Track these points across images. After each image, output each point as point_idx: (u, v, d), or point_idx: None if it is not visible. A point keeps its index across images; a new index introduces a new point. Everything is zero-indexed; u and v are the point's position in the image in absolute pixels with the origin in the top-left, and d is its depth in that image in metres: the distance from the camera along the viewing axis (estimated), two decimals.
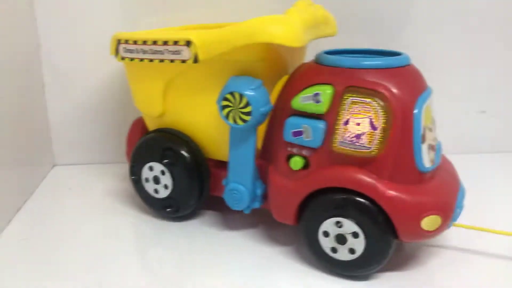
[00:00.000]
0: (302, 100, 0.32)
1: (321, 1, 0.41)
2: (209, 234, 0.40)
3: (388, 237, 0.31)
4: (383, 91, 0.30)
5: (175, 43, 0.35)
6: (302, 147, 0.33)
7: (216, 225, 0.41)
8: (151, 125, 0.43)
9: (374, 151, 0.30)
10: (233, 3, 0.53)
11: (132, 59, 0.38)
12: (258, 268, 0.35)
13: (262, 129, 0.37)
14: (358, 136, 0.31)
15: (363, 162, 0.31)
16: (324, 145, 0.32)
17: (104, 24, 0.53)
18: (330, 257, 0.33)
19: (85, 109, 0.56)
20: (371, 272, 0.33)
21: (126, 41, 0.38)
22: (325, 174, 0.32)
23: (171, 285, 0.33)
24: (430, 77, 0.35)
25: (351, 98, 0.31)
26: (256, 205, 0.37)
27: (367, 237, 0.31)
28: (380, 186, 0.30)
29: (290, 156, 0.34)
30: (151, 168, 0.40)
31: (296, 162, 0.33)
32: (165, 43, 0.36)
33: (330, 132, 0.32)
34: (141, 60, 0.38)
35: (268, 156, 0.36)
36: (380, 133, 0.30)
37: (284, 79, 0.38)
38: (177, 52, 0.36)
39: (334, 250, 0.33)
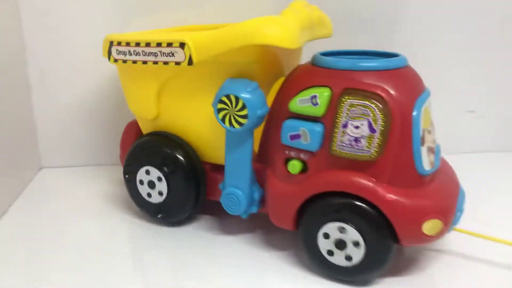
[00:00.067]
0: (299, 103, 0.32)
1: (316, 1, 0.41)
2: (206, 239, 0.39)
3: (389, 242, 0.31)
4: (381, 93, 0.30)
5: (169, 45, 0.34)
6: (300, 150, 0.32)
7: (213, 229, 0.40)
8: (145, 128, 0.42)
9: (373, 155, 0.30)
10: (225, 3, 0.52)
11: (125, 61, 0.38)
12: (255, 273, 0.34)
13: (258, 131, 0.36)
14: (357, 140, 0.30)
15: (362, 166, 0.30)
16: (322, 148, 0.31)
17: (91, 25, 0.52)
18: (329, 262, 0.32)
19: (73, 110, 0.55)
20: (371, 277, 0.32)
21: (119, 43, 0.37)
22: (324, 178, 0.31)
23: None
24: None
25: (349, 100, 0.30)
26: (254, 209, 0.36)
27: (367, 242, 0.31)
28: (380, 190, 0.30)
29: (288, 160, 0.33)
30: (147, 172, 0.39)
31: (294, 166, 0.33)
32: (159, 44, 0.35)
33: (328, 135, 0.31)
34: (134, 62, 0.37)
35: (265, 159, 0.36)
36: (379, 136, 0.30)
37: (280, 81, 0.38)
38: (171, 54, 0.35)
39: (330, 252, 0.32)
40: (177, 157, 0.38)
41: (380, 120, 0.29)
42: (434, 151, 0.33)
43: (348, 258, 0.31)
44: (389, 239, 0.30)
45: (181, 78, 0.37)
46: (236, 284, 0.33)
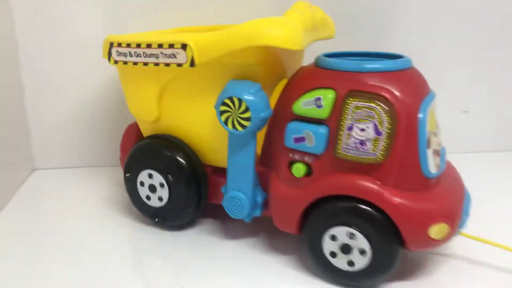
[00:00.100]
0: (303, 105, 0.31)
1: (314, 2, 0.40)
2: (208, 243, 0.38)
3: (395, 246, 0.30)
4: (387, 95, 0.29)
5: (171, 46, 0.34)
6: (304, 153, 0.32)
7: (215, 233, 0.40)
8: (146, 131, 0.41)
9: (379, 158, 0.29)
10: (225, 4, 0.52)
11: (125, 63, 0.37)
12: (259, 278, 0.33)
13: (261, 134, 0.36)
14: (362, 142, 0.30)
15: (368, 169, 0.30)
16: (327, 151, 0.31)
17: (85, 26, 0.52)
18: (334, 267, 0.32)
19: (66, 112, 0.55)
20: (377, 282, 0.32)
21: (119, 44, 0.37)
22: (328, 182, 0.31)
23: None
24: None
25: (354, 102, 0.30)
26: (257, 213, 0.36)
27: (372, 246, 0.30)
28: (386, 193, 0.29)
29: (292, 163, 0.33)
30: (150, 176, 0.39)
31: (299, 169, 0.32)
32: (160, 46, 0.34)
33: (333, 137, 0.31)
34: (135, 63, 0.36)
35: (269, 162, 0.35)
36: (385, 139, 0.29)
37: (283, 83, 0.37)
38: (172, 56, 0.34)
39: (333, 254, 0.32)
40: (180, 161, 0.37)
41: (386, 123, 0.29)
42: (439, 153, 0.32)
43: (353, 263, 0.31)
44: (395, 243, 0.30)
45: (183, 80, 0.36)
46: None
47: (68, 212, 0.45)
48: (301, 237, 0.33)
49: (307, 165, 0.32)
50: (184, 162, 0.37)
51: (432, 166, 0.31)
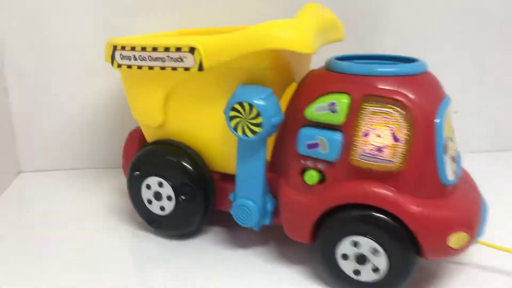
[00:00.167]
0: (316, 110, 0.30)
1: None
2: (215, 252, 0.37)
3: (412, 255, 0.29)
4: (403, 100, 0.28)
5: (178, 49, 0.33)
6: (317, 160, 0.31)
7: (223, 242, 0.38)
8: (150, 136, 0.40)
9: (397, 165, 0.28)
10: (221, 6, 0.51)
11: (129, 67, 0.36)
12: None
13: (270, 139, 0.35)
14: (379, 149, 0.29)
15: (384, 176, 0.29)
16: (342, 158, 0.30)
17: (72, 26, 0.51)
18: (348, 277, 0.31)
19: (52, 113, 0.54)
20: None
21: (123, 47, 0.36)
22: (344, 190, 0.30)
23: None
24: None
25: (370, 107, 0.29)
26: (266, 221, 0.35)
27: (389, 255, 0.29)
28: (404, 202, 0.28)
29: (304, 170, 0.32)
30: (160, 184, 0.37)
31: (311, 176, 0.31)
32: (167, 49, 0.33)
33: (348, 144, 0.30)
34: (140, 67, 0.35)
35: (279, 168, 0.34)
36: (403, 145, 0.28)
37: (292, 87, 0.36)
38: (179, 59, 0.33)
39: (357, 272, 0.31)
40: (188, 168, 0.36)
41: (404, 128, 0.28)
42: (455, 159, 0.32)
43: (375, 270, 0.30)
44: (412, 252, 0.29)
45: (190, 84, 0.35)
46: None
47: (55, 215, 0.44)
48: (314, 246, 0.32)
49: (320, 172, 0.31)
50: (192, 168, 0.36)
51: (449, 172, 0.30)
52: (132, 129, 0.44)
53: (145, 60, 0.35)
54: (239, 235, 0.39)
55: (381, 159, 0.29)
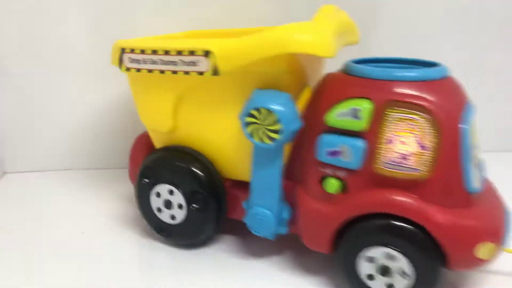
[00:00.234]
0: (338, 116, 0.29)
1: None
2: (228, 262, 0.36)
3: (438, 267, 0.28)
4: (428, 105, 0.27)
5: (191, 53, 0.31)
6: (338, 168, 0.30)
7: (235, 251, 0.37)
8: (159, 142, 0.39)
9: (423, 173, 0.27)
10: (222, 6, 0.51)
11: (138, 70, 0.34)
12: None
13: (286, 145, 0.34)
14: (404, 157, 0.28)
15: (409, 185, 0.28)
16: (364, 166, 0.29)
17: (60, 25, 0.50)
18: None
19: (37, 113, 0.54)
20: None
21: (132, 50, 0.34)
22: (367, 198, 0.29)
23: None
24: None
25: (394, 114, 0.28)
26: (283, 230, 0.34)
27: (414, 267, 0.28)
28: (430, 212, 0.27)
29: (323, 178, 0.31)
30: (171, 192, 0.36)
31: (332, 185, 0.30)
32: (179, 53, 0.32)
33: (370, 152, 0.29)
34: (150, 71, 0.34)
35: (295, 176, 0.33)
36: (428, 153, 0.27)
37: (307, 91, 0.35)
38: (193, 63, 0.32)
39: (370, 276, 0.30)
40: (200, 175, 0.35)
41: (430, 136, 0.27)
42: (479, 167, 0.31)
43: (392, 285, 0.29)
44: (438, 264, 0.28)
45: (202, 88, 0.34)
46: None
47: (42, 216, 0.43)
48: (334, 257, 0.31)
49: (341, 180, 0.30)
50: (204, 176, 0.35)
51: (475, 180, 0.29)
52: (140, 134, 0.42)
53: (156, 64, 0.33)
54: (252, 244, 0.38)
55: (406, 167, 0.28)
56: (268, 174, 0.32)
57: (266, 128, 0.30)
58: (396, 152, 0.28)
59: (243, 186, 0.36)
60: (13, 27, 0.50)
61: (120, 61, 0.35)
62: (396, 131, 0.28)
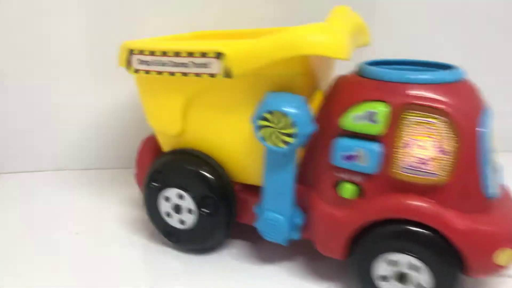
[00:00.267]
0: (354, 119, 0.29)
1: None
2: (238, 267, 0.35)
3: (456, 273, 0.28)
4: (446, 108, 0.27)
5: (203, 55, 0.31)
6: (353, 172, 0.29)
7: (246, 257, 0.36)
8: (167, 145, 0.38)
9: (441, 178, 0.27)
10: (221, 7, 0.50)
11: (147, 72, 0.34)
12: None
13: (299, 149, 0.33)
14: (423, 161, 0.27)
15: (426, 190, 0.27)
16: (381, 170, 0.28)
17: (53, 25, 0.50)
18: None
19: (30, 113, 0.54)
20: None
21: (141, 52, 0.33)
22: (384, 203, 0.28)
23: None
24: None
25: (412, 117, 0.27)
26: (295, 235, 0.33)
27: (433, 274, 0.28)
28: (449, 217, 0.27)
29: (338, 182, 0.30)
30: (181, 197, 0.35)
31: (347, 189, 0.29)
32: (191, 54, 0.31)
33: (387, 156, 0.28)
34: (160, 73, 0.33)
35: (308, 180, 0.32)
36: (447, 157, 0.27)
37: (318, 94, 0.35)
38: (204, 65, 0.31)
39: (386, 283, 0.29)
40: (211, 179, 0.34)
41: (449, 140, 0.27)
42: (497, 171, 0.30)
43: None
44: (456, 270, 0.28)
45: (213, 91, 0.33)
46: None
47: (38, 218, 0.43)
48: (348, 263, 0.31)
49: (356, 185, 0.29)
50: (215, 179, 0.34)
51: (494, 185, 0.28)
52: (147, 136, 0.41)
53: (166, 66, 0.33)
54: (264, 249, 0.37)
55: (424, 171, 0.27)
56: (281, 179, 0.32)
57: (279, 132, 0.30)
58: (414, 156, 0.27)
59: (253, 190, 0.35)
60: (11, 26, 0.50)
61: (128, 63, 0.35)
62: (414, 135, 0.27)
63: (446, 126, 0.27)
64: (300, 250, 0.36)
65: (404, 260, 0.28)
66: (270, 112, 0.30)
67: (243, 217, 0.36)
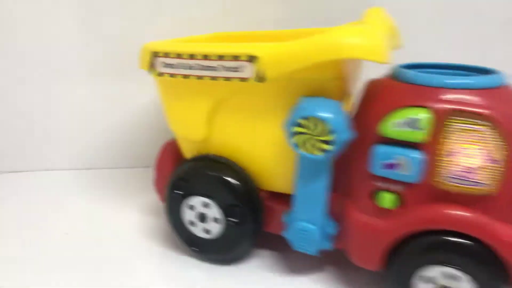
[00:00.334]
0: (394, 126, 0.27)
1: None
2: (266, 278, 0.34)
3: (500, 285, 0.27)
4: (495, 115, 0.26)
5: (235, 58, 0.29)
6: (393, 181, 0.28)
7: (274, 267, 0.35)
8: (189, 151, 0.37)
9: (488, 188, 0.26)
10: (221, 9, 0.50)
11: (172, 75, 0.32)
12: None
13: None
14: (469, 170, 0.26)
15: (472, 200, 0.26)
16: (423, 179, 0.27)
17: (37, 26, 0.50)
18: None
19: (19, 113, 0.54)
20: None
21: (166, 54, 0.32)
22: (427, 214, 0.27)
23: None
24: None
25: (456, 124, 0.26)
26: (327, 245, 0.32)
27: (478, 286, 0.27)
28: (497, 229, 0.26)
29: (375, 191, 0.29)
30: (206, 205, 0.34)
31: (386, 199, 0.28)
32: (221, 57, 0.30)
33: (430, 164, 0.27)
34: (186, 76, 0.32)
35: (340, 188, 0.31)
36: (497, 166, 0.26)
37: (349, 99, 0.34)
38: (235, 69, 0.30)
39: None
40: (238, 187, 0.33)
41: (497, 147, 0.26)
42: None
43: None
44: (501, 281, 0.27)
45: (242, 95, 0.32)
46: None
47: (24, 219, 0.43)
48: (385, 274, 0.30)
49: (396, 194, 0.28)
50: (242, 187, 0.33)
51: None
52: (167, 141, 0.40)
53: (193, 69, 0.31)
54: (291, 259, 0.36)
55: (471, 181, 0.26)
56: (314, 187, 0.30)
57: (316, 139, 0.28)
58: (459, 165, 0.26)
59: (280, 197, 0.34)
60: (11, 26, 0.50)
61: (151, 66, 0.33)
62: (459, 143, 0.26)
63: (495, 134, 0.25)
64: (328, 260, 0.35)
65: (447, 272, 0.27)
66: (306, 118, 0.28)
67: (269, 226, 0.35)
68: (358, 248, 0.30)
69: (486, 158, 0.26)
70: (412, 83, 0.29)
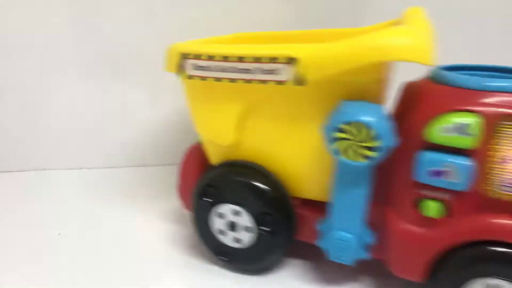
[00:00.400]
0: (442, 132, 0.26)
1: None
2: None
3: None
4: None
5: (273, 60, 0.28)
6: (440, 189, 0.27)
7: (306, 278, 0.34)
8: (217, 156, 0.35)
9: None
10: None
11: (204, 78, 0.31)
12: None
13: None
14: None
15: None
16: (473, 187, 0.26)
17: (45, 24, 0.50)
18: None
19: (13, 113, 0.54)
20: None
21: (198, 56, 0.31)
22: (479, 223, 0.26)
23: None
24: None
25: (509, 129, 0.25)
26: (364, 255, 0.31)
27: None
28: None
29: (419, 200, 0.28)
30: (237, 213, 0.33)
31: (432, 207, 0.27)
32: (258, 59, 0.29)
33: (481, 172, 0.26)
34: (218, 79, 0.30)
35: (381, 196, 0.30)
36: None
37: (386, 103, 0.32)
38: (272, 72, 0.28)
39: None
40: (275, 197, 0.32)
41: None
42: None
43: None
44: None
45: (276, 99, 0.30)
46: None
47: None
48: (429, 285, 0.28)
49: (442, 202, 0.27)
50: (275, 195, 0.32)
51: None
52: (192, 145, 0.39)
53: (227, 72, 0.30)
54: (323, 269, 0.34)
55: None
56: (353, 195, 0.29)
57: (359, 145, 0.27)
58: None
59: (313, 205, 0.33)
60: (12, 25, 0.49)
61: (180, 68, 0.32)
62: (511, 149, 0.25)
63: None
64: (364, 270, 0.34)
65: (495, 285, 0.26)
66: (348, 123, 0.27)
67: (302, 235, 0.34)
68: (400, 258, 0.29)
69: None
70: (455, 86, 0.28)
